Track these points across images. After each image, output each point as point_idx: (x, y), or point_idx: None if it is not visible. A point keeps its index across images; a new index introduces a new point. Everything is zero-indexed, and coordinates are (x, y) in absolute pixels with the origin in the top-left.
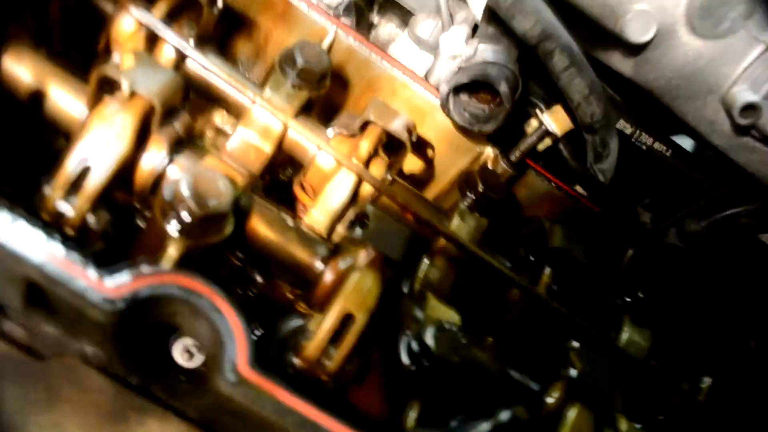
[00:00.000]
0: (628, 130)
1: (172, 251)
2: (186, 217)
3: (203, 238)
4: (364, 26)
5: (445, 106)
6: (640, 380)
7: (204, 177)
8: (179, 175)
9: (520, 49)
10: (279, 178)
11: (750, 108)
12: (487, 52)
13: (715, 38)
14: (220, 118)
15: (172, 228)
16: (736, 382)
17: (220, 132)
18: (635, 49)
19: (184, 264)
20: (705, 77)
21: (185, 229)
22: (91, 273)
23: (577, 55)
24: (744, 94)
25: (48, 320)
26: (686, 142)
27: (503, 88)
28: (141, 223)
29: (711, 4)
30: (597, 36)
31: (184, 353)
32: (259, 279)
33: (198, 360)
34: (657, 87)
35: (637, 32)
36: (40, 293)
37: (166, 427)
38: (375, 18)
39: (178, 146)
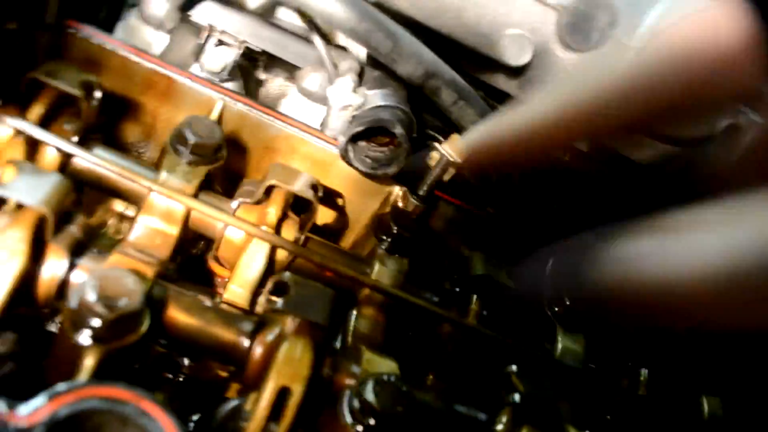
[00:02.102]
0: None
1: (88, 361)
2: (96, 323)
3: (119, 341)
4: (252, 86)
5: (345, 157)
6: (582, 386)
7: (109, 278)
8: (83, 280)
9: (409, 86)
10: (193, 254)
11: None
12: (376, 97)
13: (588, 50)
14: (121, 205)
15: (84, 337)
16: (671, 369)
17: (124, 219)
18: (517, 71)
19: (104, 370)
20: None
21: (98, 336)
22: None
23: (463, 88)
24: None
25: None
26: None
27: (398, 129)
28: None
29: (578, 19)
30: (481, 62)
31: None
32: (188, 363)
33: None
34: None
35: (514, 56)
36: None
37: None
38: (263, 74)
39: (78, 249)
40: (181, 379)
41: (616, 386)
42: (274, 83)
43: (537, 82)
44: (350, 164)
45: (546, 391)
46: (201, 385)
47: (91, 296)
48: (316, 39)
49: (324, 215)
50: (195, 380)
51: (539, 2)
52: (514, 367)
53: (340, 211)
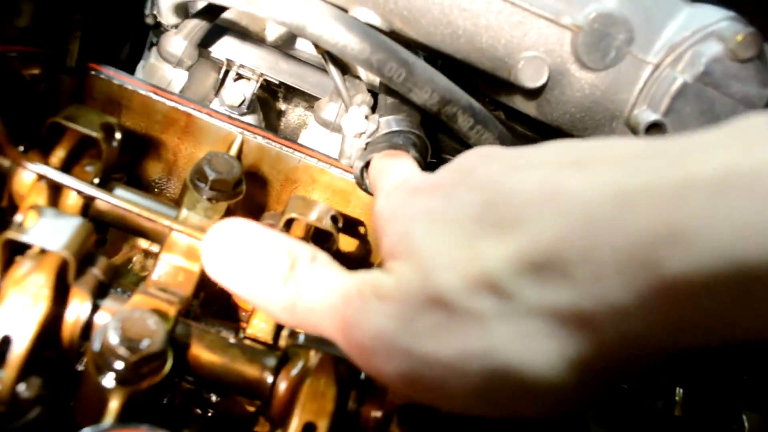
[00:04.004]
0: None
1: (113, 404)
2: (119, 365)
3: (143, 382)
4: (273, 118)
5: (361, 184)
6: (614, 404)
7: (131, 319)
8: (105, 322)
9: (423, 111)
10: (217, 288)
11: (654, 126)
12: (389, 123)
13: (606, 68)
14: (146, 242)
15: (108, 380)
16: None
17: (149, 255)
18: (534, 93)
19: (130, 411)
20: (606, 105)
21: (121, 378)
22: None
23: (479, 113)
24: (645, 115)
25: None
26: None
27: (413, 153)
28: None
29: (594, 39)
30: (498, 85)
31: None
32: (215, 398)
33: None
34: (563, 123)
35: (531, 78)
36: None
37: None
38: (282, 106)
39: (101, 291)
40: (210, 415)
41: (652, 407)
42: (293, 114)
43: (555, 103)
44: (366, 191)
45: None
46: (232, 421)
47: (114, 339)
48: (331, 69)
49: (347, 243)
50: (225, 415)
51: (554, 24)
52: None
53: (362, 238)
